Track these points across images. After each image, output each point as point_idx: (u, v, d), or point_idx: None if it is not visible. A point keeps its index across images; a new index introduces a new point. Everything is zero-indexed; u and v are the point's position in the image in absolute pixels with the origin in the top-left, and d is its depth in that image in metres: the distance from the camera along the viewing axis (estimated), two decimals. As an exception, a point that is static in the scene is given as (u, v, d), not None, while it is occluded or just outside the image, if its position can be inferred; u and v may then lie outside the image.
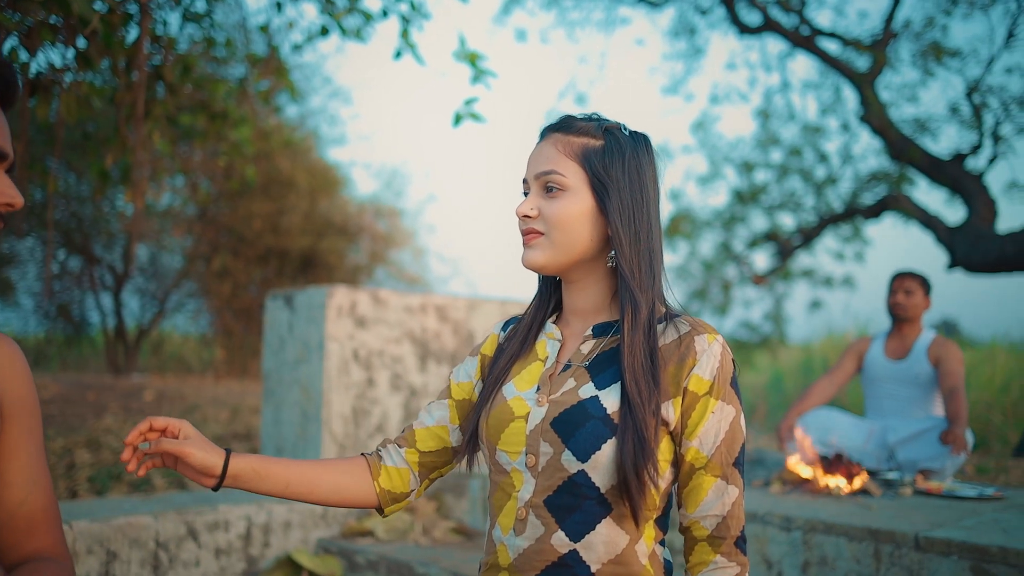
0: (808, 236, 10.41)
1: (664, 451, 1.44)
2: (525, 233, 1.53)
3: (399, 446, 1.65)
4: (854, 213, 9.91)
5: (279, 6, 5.55)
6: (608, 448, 1.40)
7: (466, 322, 4.92)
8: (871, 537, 3.18)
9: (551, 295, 1.65)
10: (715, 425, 1.42)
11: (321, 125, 12.31)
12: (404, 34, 5.01)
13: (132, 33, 4.87)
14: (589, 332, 1.55)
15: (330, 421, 4.36)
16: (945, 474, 4.38)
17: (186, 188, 11.08)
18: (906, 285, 4.82)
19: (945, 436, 4.27)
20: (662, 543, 1.50)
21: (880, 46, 8.71)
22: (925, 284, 4.83)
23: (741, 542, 1.43)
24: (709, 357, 1.42)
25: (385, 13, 5.12)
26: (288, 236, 11.35)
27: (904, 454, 4.47)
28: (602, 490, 1.42)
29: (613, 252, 1.49)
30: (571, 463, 1.42)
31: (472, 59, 4.89)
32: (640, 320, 1.45)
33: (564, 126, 1.55)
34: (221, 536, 3.80)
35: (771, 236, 10.73)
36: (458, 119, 4.77)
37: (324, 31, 5.38)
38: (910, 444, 4.49)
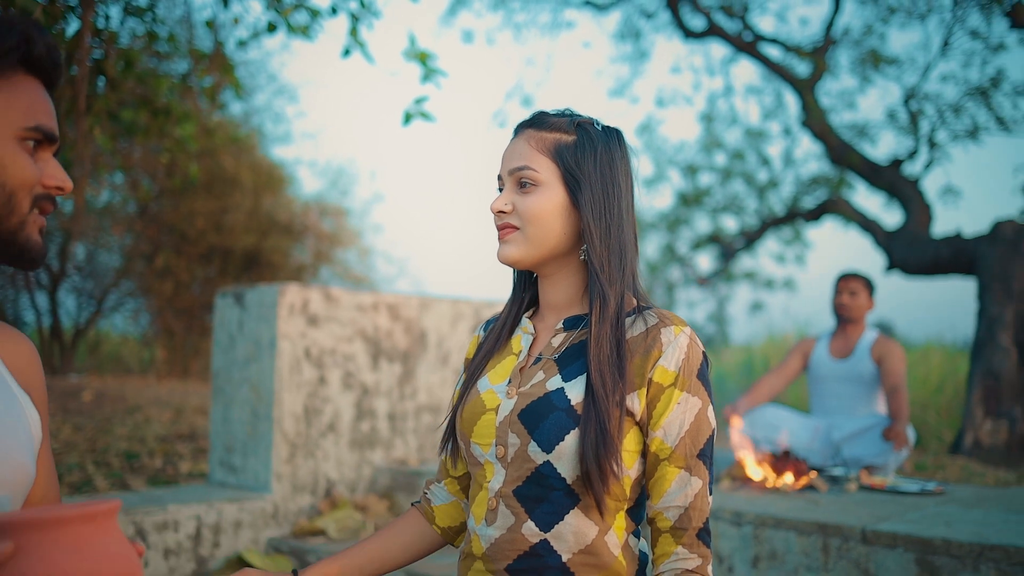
0: (750, 239, 10.58)
1: (632, 442, 1.46)
2: (500, 228, 1.55)
3: (439, 481, 1.71)
4: (795, 216, 10.10)
5: (225, 1, 5.47)
6: (571, 439, 1.42)
7: (418, 320, 4.91)
8: (819, 531, 3.25)
9: (525, 290, 1.67)
10: (679, 416, 1.42)
11: (266, 123, 12.18)
12: (353, 32, 4.98)
13: (73, 26, 4.77)
14: (560, 325, 1.57)
15: (281, 420, 4.32)
16: (888, 470, 4.49)
17: (126, 185, 10.87)
18: (851, 286, 4.93)
19: (887, 433, 4.39)
20: (636, 534, 1.51)
21: (820, 53, 8.88)
22: (869, 285, 4.95)
23: (704, 534, 1.43)
24: (674, 348, 1.43)
25: (334, 11, 5.08)
26: (232, 235, 11.20)
27: (849, 451, 4.58)
28: (568, 481, 1.44)
29: (585, 246, 1.51)
30: (537, 454, 1.45)
31: (422, 58, 4.88)
32: (608, 313, 1.46)
33: (537, 122, 1.57)
34: (170, 536, 3.75)
35: (714, 238, 10.89)
36: (408, 118, 4.75)
37: (271, 28, 5.32)
38: (855, 441, 4.60)
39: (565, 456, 1.43)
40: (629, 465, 1.46)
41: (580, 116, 1.58)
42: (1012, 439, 6.38)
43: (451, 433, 1.62)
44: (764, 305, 11.54)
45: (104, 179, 9.48)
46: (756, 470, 4.12)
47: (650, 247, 11.57)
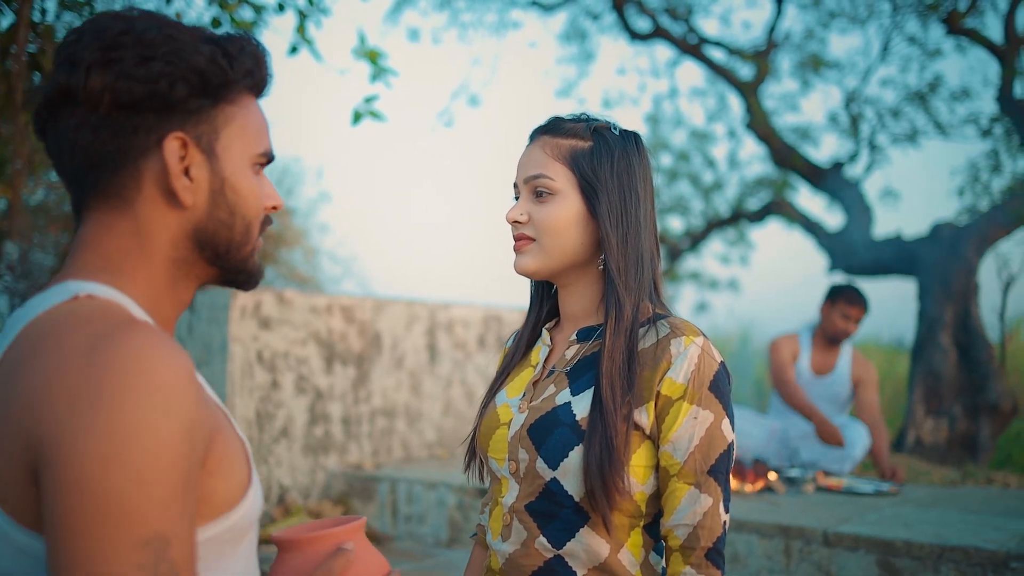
0: (696, 239, 10.67)
1: (644, 457, 1.42)
2: (516, 239, 1.51)
3: (490, 510, 1.60)
4: (740, 217, 10.22)
5: (168, -3, 5.35)
6: (575, 455, 1.39)
7: (372, 323, 4.85)
8: (781, 534, 3.28)
9: (543, 300, 1.64)
10: (688, 430, 1.37)
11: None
12: (300, 29, 4.89)
13: (8, 19, 4.62)
14: (574, 337, 1.54)
15: (233, 426, 4.23)
16: (844, 471, 4.54)
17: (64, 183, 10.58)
18: (860, 316, 4.76)
19: (885, 473, 4.41)
20: (660, 551, 1.47)
21: (763, 56, 8.99)
22: (868, 310, 4.81)
23: (713, 554, 1.38)
24: (684, 360, 1.39)
25: (281, 7, 4.98)
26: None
27: (807, 454, 4.61)
28: (576, 498, 1.40)
29: (603, 255, 1.47)
30: (544, 470, 1.42)
31: (372, 57, 4.81)
32: (623, 324, 1.42)
33: (552, 128, 1.53)
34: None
35: (660, 239, 10.95)
36: (357, 117, 4.67)
37: (216, 23, 5.21)
38: (812, 443, 4.63)
39: (570, 473, 1.39)
40: (643, 481, 1.41)
41: (597, 120, 1.54)
42: (952, 437, 6.54)
43: (473, 448, 1.60)
44: (708, 305, 11.63)
45: (40, 177, 9.21)
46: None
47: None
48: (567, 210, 1.47)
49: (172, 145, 1.07)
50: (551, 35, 19.96)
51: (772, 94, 9.69)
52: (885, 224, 21.28)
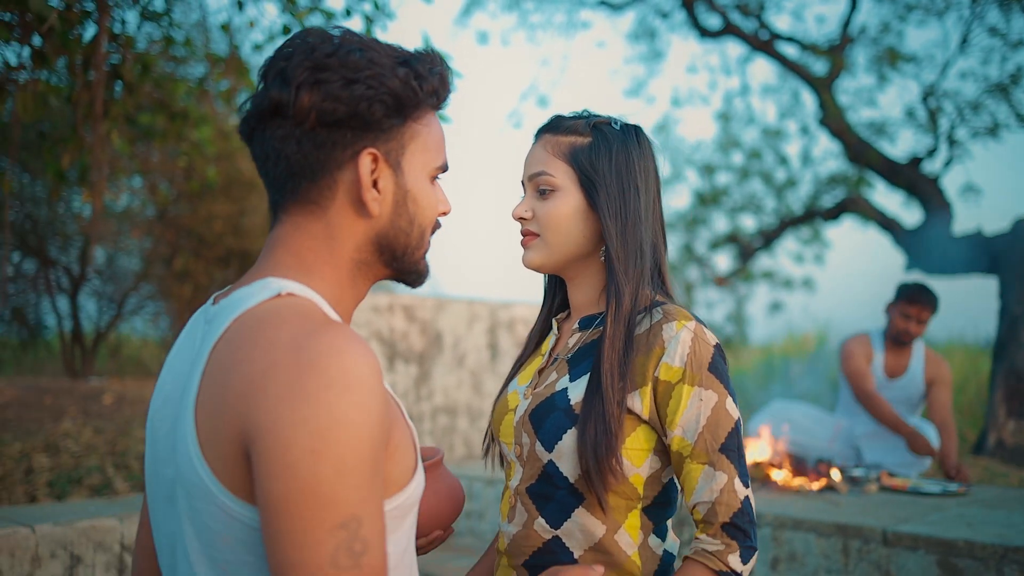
0: (769, 238, 10.52)
1: (639, 440, 1.45)
2: (523, 235, 1.57)
3: (502, 493, 1.75)
4: (814, 215, 10.04)
5: (240, 5, 5.50)
6: (568, 438, 1.44)
7: (433, 322, 4.91)
8: (839, 533, 3.22)
9: (554, 293, 1.70)
10: (695, 412, 1.41)
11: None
12: (367, 34, 4.99)
13: (90, 31, 4.80)
14: (576, 326, 1.59)
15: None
16: (911, 473, 4.43)
17: (145, 189, 10.93)
18: (923, 316, 4.60)
19: (949, 471, 4.28)
20: (660, 534, 1.50)
21: (837, 51, 8.83)
22: (936, 309, 4.64)
23: (730, 528, 1.40)
24: (676, 344, 1.42)
25: (348, 12, 5.10)
26: (249, 237, 11.22)
27: (872, 456, 4.51)
28: (571, 480, 1.45)
29: (604, 245, 1.52)
30: (542, 453, 1.47)
31: (438, 59, 4.88)
32: (622, 312, 1.46)
33: (553, 127, 1.58)
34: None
35: (732, 238, 10.84)
36: (424, 119, 4.75)
37: (286, 30, 5.35)
38: (878, 444, 4.53)
39: (565, 455, 1.44)
40: (638, 463, 1.45)
41: (598, 116, 1.58)
42: (1035, 439, 6.32)
43: (490, 435, 1.66)
44: (783, 305, 11.47)
45: (123, 183, 9.54)
46: (777, 472, 4.08)
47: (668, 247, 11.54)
48: (568, 205, 1.52)
49: (366, 160, 1.19)
50: (619, 34, 19.90)
51: (847, 89, 9.52)
52: (965, 220, 20.64)
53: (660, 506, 1.50)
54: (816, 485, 3.94)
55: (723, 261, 15.57)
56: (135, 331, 13.89)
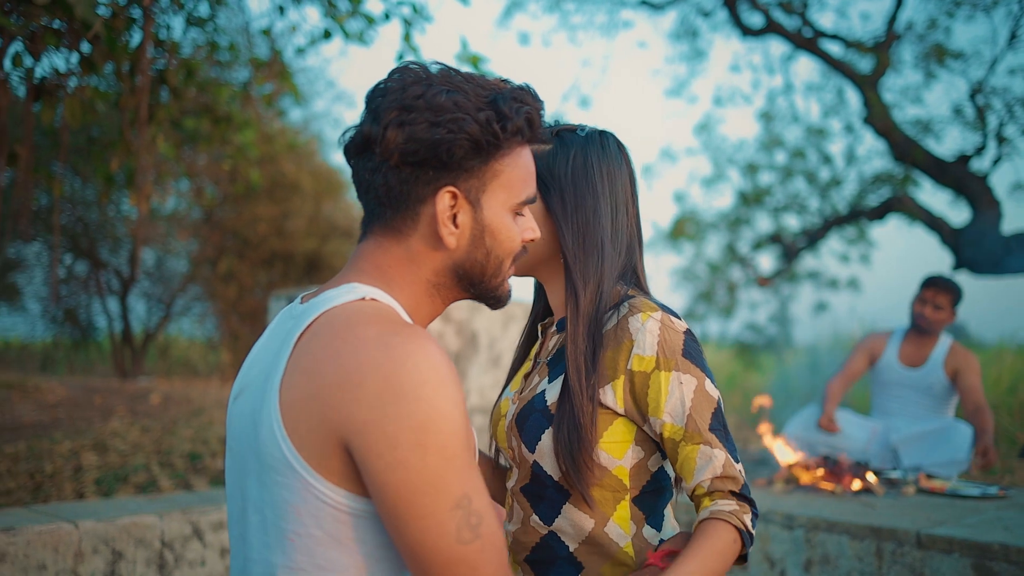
0: (813, 238, 10.40)
1: (617, 433, 1.48)
2: None
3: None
4: (859, 215, 9.90)
5: (281, 9, 5.57)
6: (547, 438, 1.48)
7: (469, 322, 4.94)
8: (873, 535, 3.19)
9: (540, 298, 1.75)
10: (679, 397, 1.42)
11: (325, 129, 12.36)
12: (407, 37, 5.03)
13: (136, 37, 4.89)
14: (554, 328, 1.64)
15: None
16: (950, 475, 4.37)
17: (191, 192, 11.11)
18: (938, 300, 4.65)
19: (979, 453, 4.24)
20: (655, 524, 1.52)
21: (883, 48, 8.71)
22: (956, 299, 4.68)
23: (739, 496, 1.43)
24: (644, 334, 1.44)
25: (387, 16, 5.14)
26: (293, 239, 11.36)
27: (909, 458, 4.45)
28: (555, 477, 1.49)
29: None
30: (528, 455, 1.52)
31: (474, 61, 4.91)
32: (581, 310, 1.50)
33: None
34: (226, 535, 3.82)
35: (776, 238, 10.73)
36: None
37: (327, 34, 5.41)
38: (915, 446, 4.48)
39: (546, 455, 1.49)
40: (619, 455, 1.48)
41: (565, 124, 1.63)
42: (1086, 442, 6.18)
43: (494, 442, 1.72)
44: (828, 305, 11.31)
45: (169, 186, 9.71)
46: (811, 471, 4.05)
47: (710, 247, 11.45)
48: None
49: (444, 198, 1.28)
50: (661, 34, 19.79)
51: (892, 87, 9.38)
52: (1015, 219, 20.22)
53: (651, 495, 1.52)
54: (852, 487, 3.90)
55: (766, 261, 15.45)
56: (183, 332, 14.12)
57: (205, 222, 11.80)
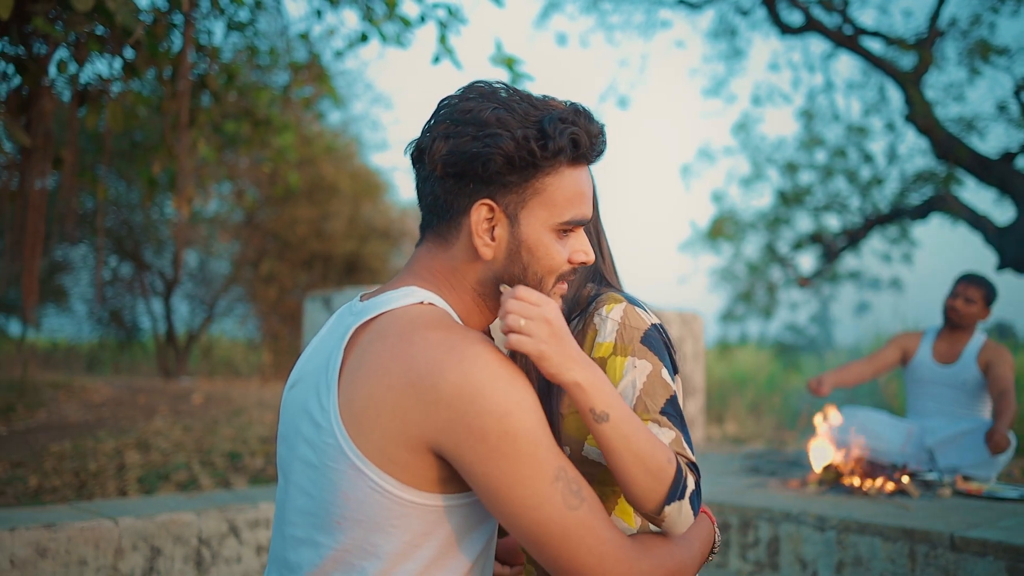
0: (854, 237, 10.29)
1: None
2: None
3: None
4: (901, 214, 9.78)
5: (319, 13, 5.63)
6: None
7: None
8: (906, 537, 3.16)
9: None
10: (630, 379, 1.40)
11: (363, 131, 12.45)
12: (442, 39, 5.06)
13: (177, 43, 4.96)
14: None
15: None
16: (988, 476, 4.31)
17: (232, 194, 11.25)
18: (968, 293, 4.64)
19: (988, 435, 4.19)
20: None
21: (925, 45, 8.60)
22: (989, 295, 4.64)
23: (691, 467, 1.37)
24: (605, 323, 1.44)
25: (423, 19, 5.18)
26: (332, 241, 11.47)
27: (945, 459, 4.39)
28: None
29: None
30: None
31: (509, 63, 4.93)
32: None
33: None
34: (262, 533, 3.87)
35: (816, 238, 10.63)
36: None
37: (364, 38, 5.46)
38: (951, 447, 4.42)
39: None
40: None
41: None
42: None
43: None
44: (870, 306, 11.19)
45: (211, 189, 9.85)
46: (845, 473, 4.01)
47: (749, 247, 11.38)
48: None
49: (480, 210, 1.33)
50: (699, 33, 19.66)
51: (935, 84, 9.26)
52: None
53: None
54: (887, 489, 3.87)
55: (807, 261, 15.29)
56: (225, 332, 14.30)
57: (246, 224, 11.95)
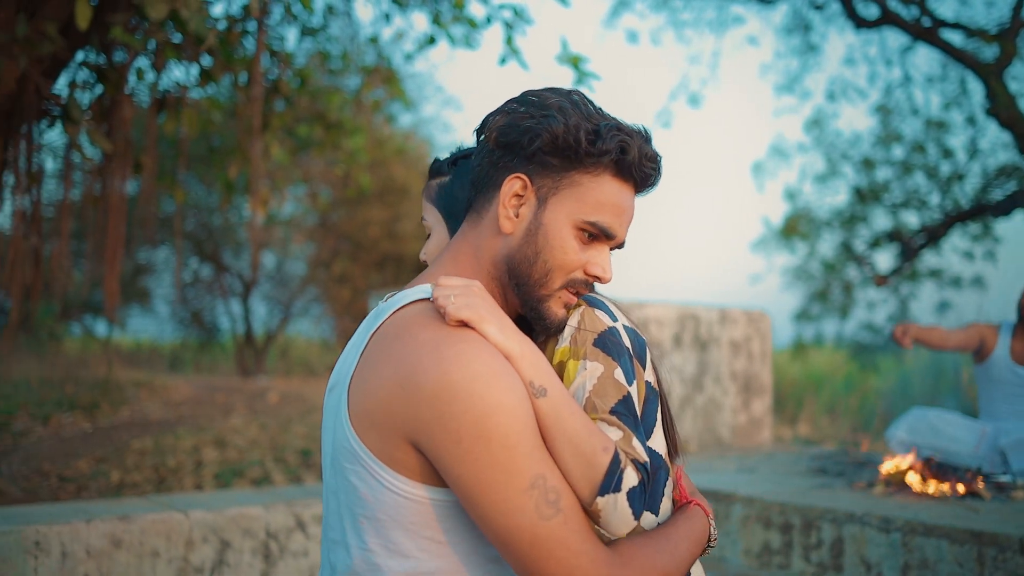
0: (934, 235, 10.04)
1: None
2: None
3: None
4: (983, 210, 9.51)
5: (387, 17, 5.72)
6: None
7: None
8: (974, 540, 3.08)
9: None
10: (581, 381, 1.36)
11: (434, 133, 12.57)
12: (508, 40, 5.09)
13: (251, 49, 5.09)
14: None
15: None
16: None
17: (307, 196, 11.46)
18: None
19: None
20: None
21: (1008, 36, 8.35)
22: None
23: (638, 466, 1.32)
24: (566, 328, 1.41)
25: (489, 20, 5.22)
26: (403, 241, 11.60)
27: (1018, 462, 4.26)
28: None
29: None
30: None
31: (575, 61, 4.94)
32: None
33: (431, 172, 1.69)
34: (327, 528, 3.94)
35: (894, 235, 10.39)
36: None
37: (431, 40, 5.53)
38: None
39: None
40: None
41: (465, 151, 1.66)
42: None
43: None
44: (952, 305, 10.88)
45: (286, 192, 10.04)
46: (912, 475, 3.93)
47: (824, 245, 11.17)
48: (435, 244, 1.65)
49: (513, 182, 1.36)
50: (771, 29, 19.35)
51: (1018, 76, 8.99)
52: None
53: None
54: (958, 491, 3.77)
55: (884, 260, 14.93)
56: (302, 333, 14.57)
57: (320, 226, 12.15)
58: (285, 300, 12.96)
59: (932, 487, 3.82)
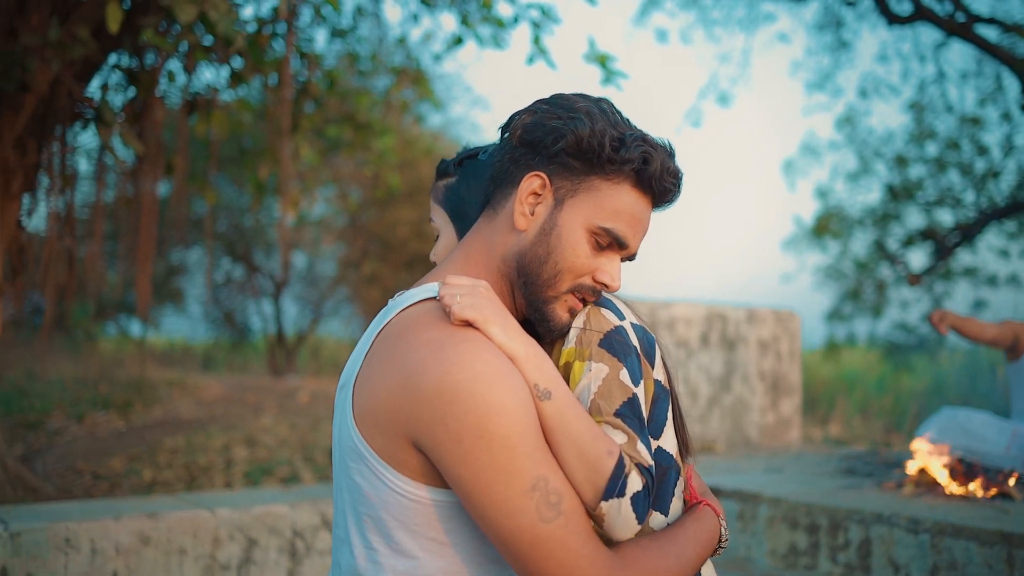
0: (968, 233, 9.91)
1: None
2: None
3: None
4: (1018, 207, 9.38)
5: (415, 17, 5.74)
6: None
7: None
8: (1004, 541, 3.04)
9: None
10: (586, 382, 1.35)
11: (463, 133, 12.58)
12: (536, 40, 5.09)
13: (280, 51, 5.12)
14: None
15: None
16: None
17: (336, 197, 11.52)
18: None
19: None
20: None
21: (1044, 31, 8.23)
22: None
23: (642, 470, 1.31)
24: (571, 329, 1.40)
25: (516, 20, 5.22)
26: (433, 242, 11.61)
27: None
28: None
29: None
30: None
31: (602, 60, 4.93)
32: None
33: (437, 173, 1.69)
34: (354, 526, 3.96)
35: (928, 234, 10.27)
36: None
37: (459, 40, 5.54)
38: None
39: None
40: None
41: (470, 151, 1.66)
42: None
43: None
44: (988, 303, 10.74)
45: (315, 192, 10.10)
46: (942, 473, 3.88)
47: (857, 244, 11.06)
48: (444, 245, 1.64)
49: (532, 180, 1.37)
50: (802, 26, 19.20)
51: (1055, 71, 8.83)
52: None
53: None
54: (988, 492, 3.72)
55: (918, 258, 14.77)
56: (332, 333, 14.65)
57: (350, 226, 12.21)
58: (315, 300, 13.04)
59: (961, 487, 3.77)
